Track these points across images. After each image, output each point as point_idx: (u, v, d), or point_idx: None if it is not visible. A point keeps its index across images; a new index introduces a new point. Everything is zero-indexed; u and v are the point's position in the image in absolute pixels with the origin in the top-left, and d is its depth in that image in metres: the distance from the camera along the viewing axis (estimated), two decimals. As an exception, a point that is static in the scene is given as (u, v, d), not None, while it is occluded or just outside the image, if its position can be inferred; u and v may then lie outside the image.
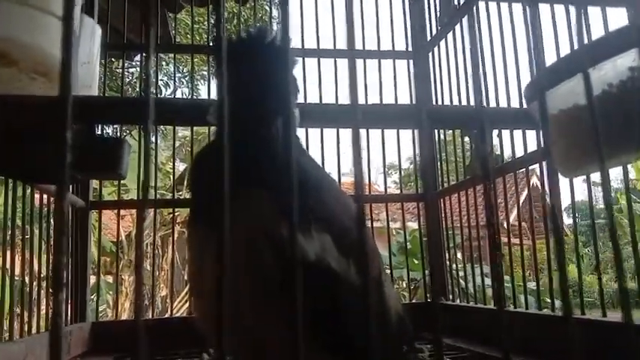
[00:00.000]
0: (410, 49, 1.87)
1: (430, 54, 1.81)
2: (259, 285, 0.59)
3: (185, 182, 6.11)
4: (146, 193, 0.35)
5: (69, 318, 1.47)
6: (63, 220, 0.33)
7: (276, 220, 0.57)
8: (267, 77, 0.63)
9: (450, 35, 1.66)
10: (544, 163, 1.26)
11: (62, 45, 0.30)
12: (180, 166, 6.52)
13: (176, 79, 6.11)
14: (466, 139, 1.81)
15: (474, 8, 1.40)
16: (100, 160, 1.05)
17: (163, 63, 5.44)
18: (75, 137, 0.95)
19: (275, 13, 4.83)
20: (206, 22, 6.15)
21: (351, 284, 0.59)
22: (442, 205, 1.77)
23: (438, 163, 1.80)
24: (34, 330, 1.26)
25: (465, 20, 1.57)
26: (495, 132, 1.38)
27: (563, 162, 0.92)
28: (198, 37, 5.50)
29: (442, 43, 1.72)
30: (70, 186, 1.47)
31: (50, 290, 1.38)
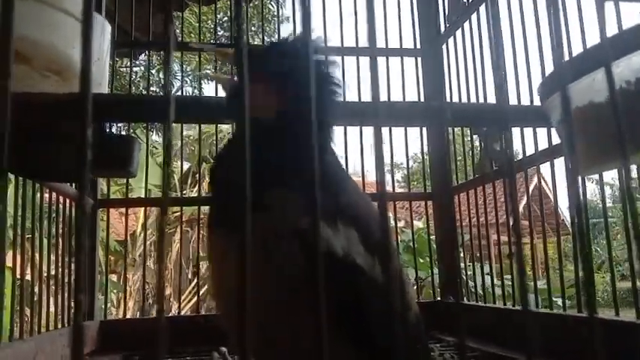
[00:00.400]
0: (418, 46, 1.86)
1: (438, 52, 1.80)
2: (284, 283, 0.58)
3: (189, 181, 6.12)
4: (166, 189, 0.34)
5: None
6: (84, 218, 0.32)
7: (301, 217, 0.57)
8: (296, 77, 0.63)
9: (458, 33, 1.65)
10: (555, 161, 1.25)
11: (82, 43, 0.30)
12: (185, 165, 6.53)
13: (178, 78, 6.11)
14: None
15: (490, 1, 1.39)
16: (111, 159, 1.05)
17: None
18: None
19: (281, 11, 4.81)
20: (209, 21, 6.15)
21: (375, 281, 0.59)
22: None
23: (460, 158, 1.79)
24: (42, 329, 1.26)
25: (473, 17, 1.56)
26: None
27: (579, 160, 0.91)
28: (202, 36, 5.50)
29: (450, 40, 1.71)
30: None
31: (65, 288, 1.38)
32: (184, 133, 7.25)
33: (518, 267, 0.36)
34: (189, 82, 6.51)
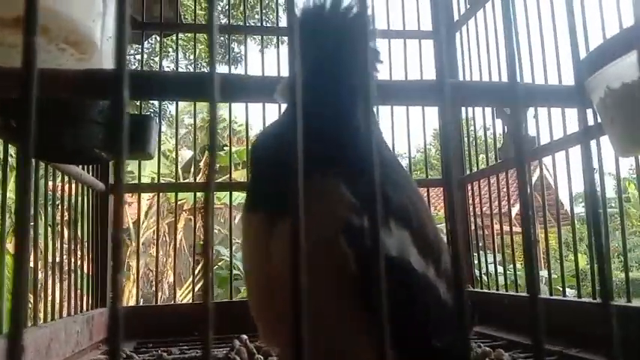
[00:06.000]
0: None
1: (458, 33, 1.75)
2: (336, 285, 0.53)
3: (192, 169, 6.07)
4: (212, 171, 0.31)
5: (90, 303, 1.44)
6: (121, 200, 0.29)
7: (355, 211, 0.52)
8: (343, 50, 0.58)
9: (479, 14, 1.60)
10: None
11: (116, 21, 0.28)
12: (187, 154, 6.49)
13: (181, 65, 6.04)
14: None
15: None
16: (128, 139, 1.00)
17: (170, 49, 5.36)
18: (102, 115, 0.89)
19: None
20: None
21: (430, 284, 0.56)
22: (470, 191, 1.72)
23: (466, 148, 1.75)
24: (48, 317, 1.22)
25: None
26: (531, 112, 1.33)
27: (620, 139, 0.88)
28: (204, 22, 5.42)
29: (471, 22, 1.66)
30: (89, 168, 1.43)
31: (72, 276, 1.34)
32: (186, 121, 7.18)
33: (598, 258, 0.32)
34: (188, 68, 6.43)
